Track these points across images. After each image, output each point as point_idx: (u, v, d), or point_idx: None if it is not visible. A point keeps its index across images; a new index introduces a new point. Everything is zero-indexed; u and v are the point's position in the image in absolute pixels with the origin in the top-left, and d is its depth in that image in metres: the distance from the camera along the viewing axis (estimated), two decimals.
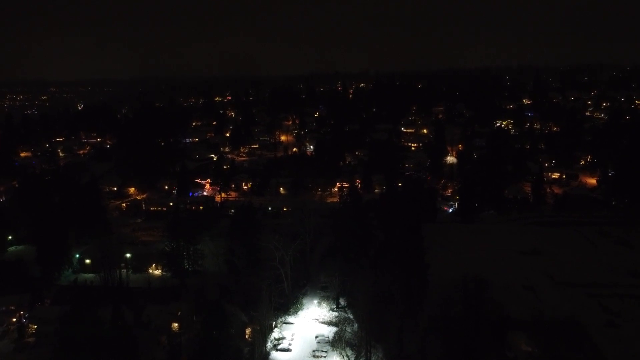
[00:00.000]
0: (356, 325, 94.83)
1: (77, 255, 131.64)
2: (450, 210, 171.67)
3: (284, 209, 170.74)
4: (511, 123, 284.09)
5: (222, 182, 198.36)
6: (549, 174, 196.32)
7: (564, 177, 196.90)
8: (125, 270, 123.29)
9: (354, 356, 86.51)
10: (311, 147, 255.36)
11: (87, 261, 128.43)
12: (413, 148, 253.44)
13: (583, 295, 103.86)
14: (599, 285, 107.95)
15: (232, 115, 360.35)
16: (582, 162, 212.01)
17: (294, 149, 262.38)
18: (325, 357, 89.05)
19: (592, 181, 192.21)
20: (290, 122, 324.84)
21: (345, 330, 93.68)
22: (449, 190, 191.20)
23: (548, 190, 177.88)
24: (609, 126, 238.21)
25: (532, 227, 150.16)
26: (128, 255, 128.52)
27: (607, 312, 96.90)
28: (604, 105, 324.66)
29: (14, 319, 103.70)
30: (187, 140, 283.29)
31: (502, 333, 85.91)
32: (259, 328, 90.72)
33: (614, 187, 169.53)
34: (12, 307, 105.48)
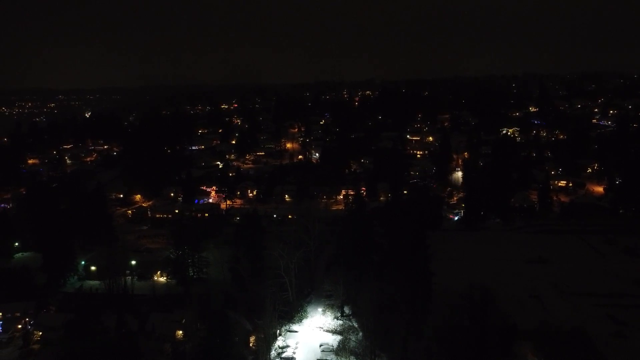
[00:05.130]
0: (361, 333, 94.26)
1: (83, 263, 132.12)
2: (456, 218, 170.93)
3: (289, 217, 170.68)
4: (517, 131, 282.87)
5: (227, 189, 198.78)
6: (556, 182, 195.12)
7: (570, 185, 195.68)
8: (130, 277, 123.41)
9: None
10: (316, 154, 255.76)
11: (93, 268, 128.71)
12: (418, 156, 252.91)
13: (590, 305, 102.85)
14: (606, 295, 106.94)
15: (237, 122, 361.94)
16: (589, 170, 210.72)
17: (300, 157, 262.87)
18: None
19: (599, 189, 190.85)
20: (296, 130, 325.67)
21: (349, 339, 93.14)
22: (455, 198, 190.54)
23: (554, 198, 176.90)
24: (616, 134, 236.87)
25: (538, 235, 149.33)
26: (133, 262, 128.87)
27: (614, 322, 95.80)
28: (611, 113, 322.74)
29: (20, 326, 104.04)
30: (193, 148, 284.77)
31: (508, 343, 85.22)
32: (263, 336, 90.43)
33: (621, 195, 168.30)
34: (18, 314, 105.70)
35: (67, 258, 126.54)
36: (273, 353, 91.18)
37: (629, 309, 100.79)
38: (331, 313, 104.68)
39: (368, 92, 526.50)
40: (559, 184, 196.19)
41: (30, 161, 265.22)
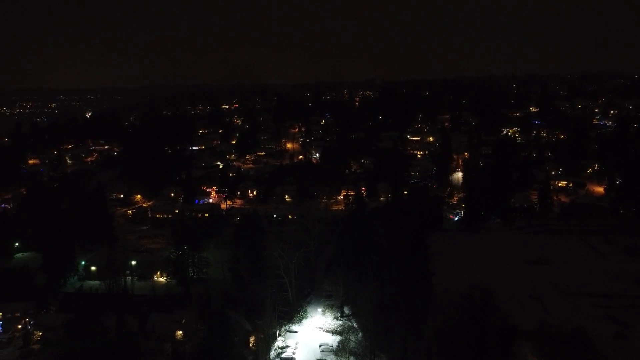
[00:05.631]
0: (360, 334, 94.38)
1: (83, 263, 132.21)
2: (456, 218, 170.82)
3: (289, 217, 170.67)
4: (517, 131, 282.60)
5: (227, 189, 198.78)
6: (556, 182, 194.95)
7: (570, 185, 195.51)
8: (130, 277, 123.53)
9: None
10: (317, 154, 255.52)
11: (93, 268, 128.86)
12: (419, 156, 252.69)
13: (590, 306, 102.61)
14: (606, 295, 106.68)
15: (238, 123, 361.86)
16: (590, 171, 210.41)
17: (300, 157, 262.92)
18: None
19: (600, 189, 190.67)
20: (297, 130, 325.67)
21: (349, 339, 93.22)
22: (455, 199, 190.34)
23: (555, 198, 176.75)
24: (616, 134, 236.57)
25: (539, 235, 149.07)
26: (133, 262, 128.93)
27: (615, 323, 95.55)
28: (612, 113, 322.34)
29: (20, 326, 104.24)
30: (194, 148, 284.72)
31: (508, 343, 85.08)
32: (262, 337, 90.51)
33: (621, 195, 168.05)
34: (18, 314, 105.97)
35: (67, 258, 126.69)
36: (273, 353, 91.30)
37: (629, 309, 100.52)
38: (331, 313, 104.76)
39: (368, 92, 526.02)
40: (560, 184, 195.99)
41: (30, 161, 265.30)
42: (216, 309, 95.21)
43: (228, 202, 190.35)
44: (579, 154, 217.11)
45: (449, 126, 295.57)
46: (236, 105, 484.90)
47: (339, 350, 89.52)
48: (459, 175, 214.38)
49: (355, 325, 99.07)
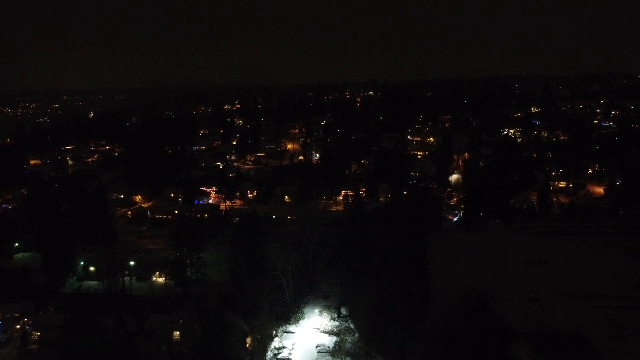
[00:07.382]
0: (357, 335, 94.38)
1: (82, 263, 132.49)
2: (456, 219, 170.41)
3: (289, 218, 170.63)
4: (518, 131, 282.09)
5: (227, 190, 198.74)
6: (556, 183, 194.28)
7: (571, 186, 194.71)
8: (128, 278, 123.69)
9: None
10: (317, 155, 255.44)
11: (92, 269, 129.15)
12: (419, 157, 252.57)
13: (589, 307, 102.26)
14: (605, 297, 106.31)
15: (239, 123, 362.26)
16: (590, 171, 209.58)
17: (300, 157, 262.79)
18: None
19: (600, 190, 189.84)
20: (297, 131, 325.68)
21: (346, 340, 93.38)
22: (455, 199, 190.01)
23: (555, 199, 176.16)
24: (617, 135, 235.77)
25: (538, 237, 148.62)
26: (132, 263, 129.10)
27: (613, 325, 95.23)
28: (613, 114, 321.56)
29: (18, 326, 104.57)
30: (194, 149, 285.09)
31: (506, 345, 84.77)
32: (259, 337, 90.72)
33: (621, 196, 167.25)
34: (17, 314, 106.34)
35: (67, 258, 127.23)
36: (269, 354, 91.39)
37: (628, 311, 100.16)
38: (328, 314, 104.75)
39: (370, 92, 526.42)
40: (560, 184, 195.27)
41: (32, 162, 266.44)
42: (213, 310, 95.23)
43: (228, 203, 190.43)
44: (579, 154, 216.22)
45: (449, 127, 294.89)
46: (238, 106, 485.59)
47: (336, 351, 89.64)
48: (459, 175, 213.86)
49: (352, 326, 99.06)
